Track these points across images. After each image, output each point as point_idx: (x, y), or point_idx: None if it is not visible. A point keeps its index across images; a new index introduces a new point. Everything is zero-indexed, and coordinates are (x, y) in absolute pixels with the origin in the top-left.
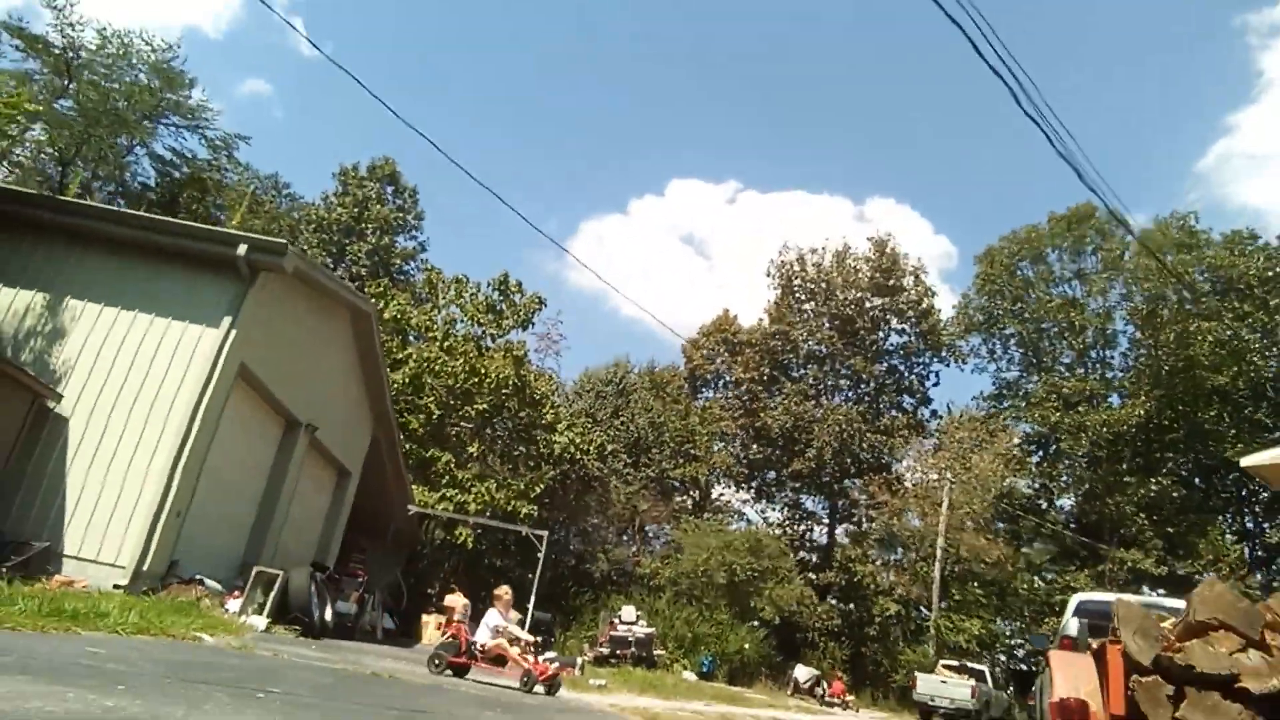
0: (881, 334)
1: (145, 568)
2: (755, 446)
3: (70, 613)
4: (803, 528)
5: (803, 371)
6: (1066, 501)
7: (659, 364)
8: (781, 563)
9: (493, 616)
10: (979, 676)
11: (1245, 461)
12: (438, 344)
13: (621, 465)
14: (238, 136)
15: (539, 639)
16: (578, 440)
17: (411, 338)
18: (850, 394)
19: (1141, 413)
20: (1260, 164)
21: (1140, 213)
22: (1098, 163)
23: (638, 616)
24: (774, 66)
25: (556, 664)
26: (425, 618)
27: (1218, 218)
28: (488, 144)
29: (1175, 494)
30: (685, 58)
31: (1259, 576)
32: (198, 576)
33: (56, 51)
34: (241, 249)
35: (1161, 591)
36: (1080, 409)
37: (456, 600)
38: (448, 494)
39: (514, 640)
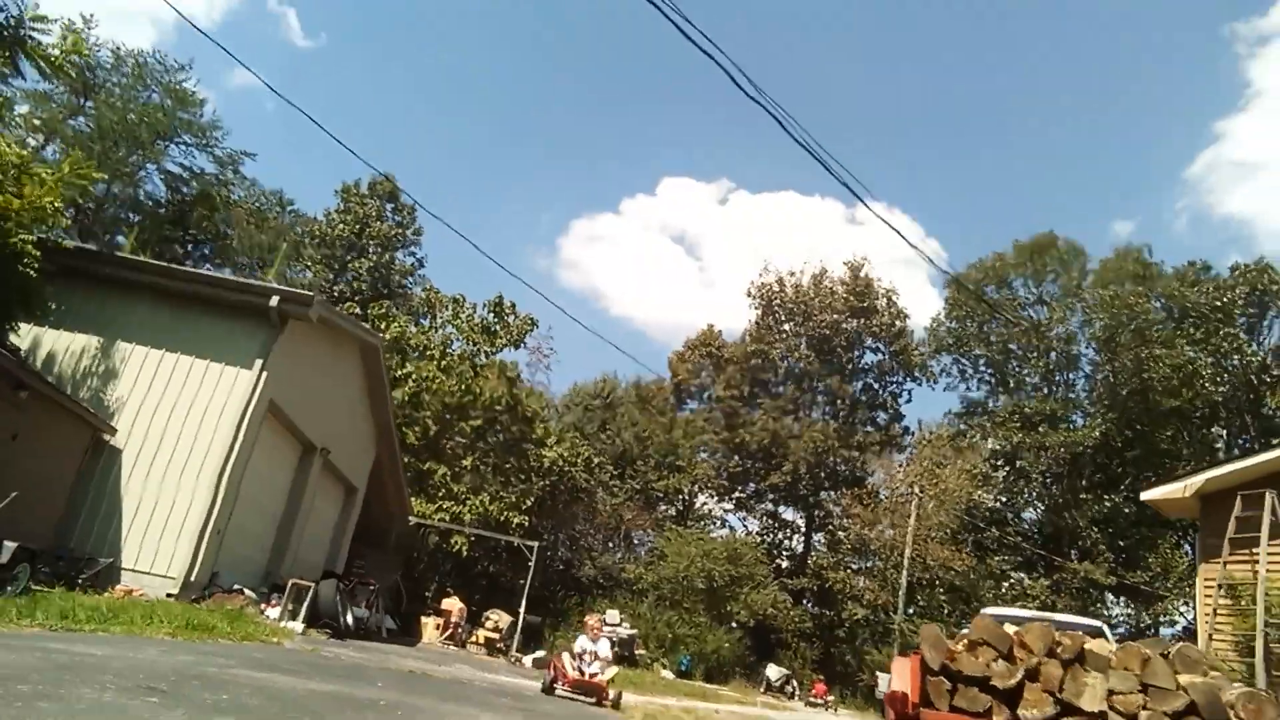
0: (856, 353)
1: (193, 578)
2: (735, 460)
3: (158, 619)
4: (780, 536)
5: (781, 389)
6: (1032, 514)
7: (647, 367)
8: (757, 570)
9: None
10: None
11: (1145, 496)
12: (435, 363)
13: (608, 477)
14: (243, 153)
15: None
16: (566, 454)
17: (412, 355)
18: (827, 410)
19: (1098, 434)
20: (1248, 172)
21: (1127, 220)
22: (1086, 168)
23: (621, 619)
24: (769, 62)
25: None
26: (424, 619)
27: (1204, 226)
28: (480, 136)
29: (1128, 509)
30: (679, 52)
31: None
32: (237, 586)
33: (74, 72)
34: (274, 300)
35: (1112, 599)
36: (1041, 429)
37: (453, 604)
38: (444, 505)
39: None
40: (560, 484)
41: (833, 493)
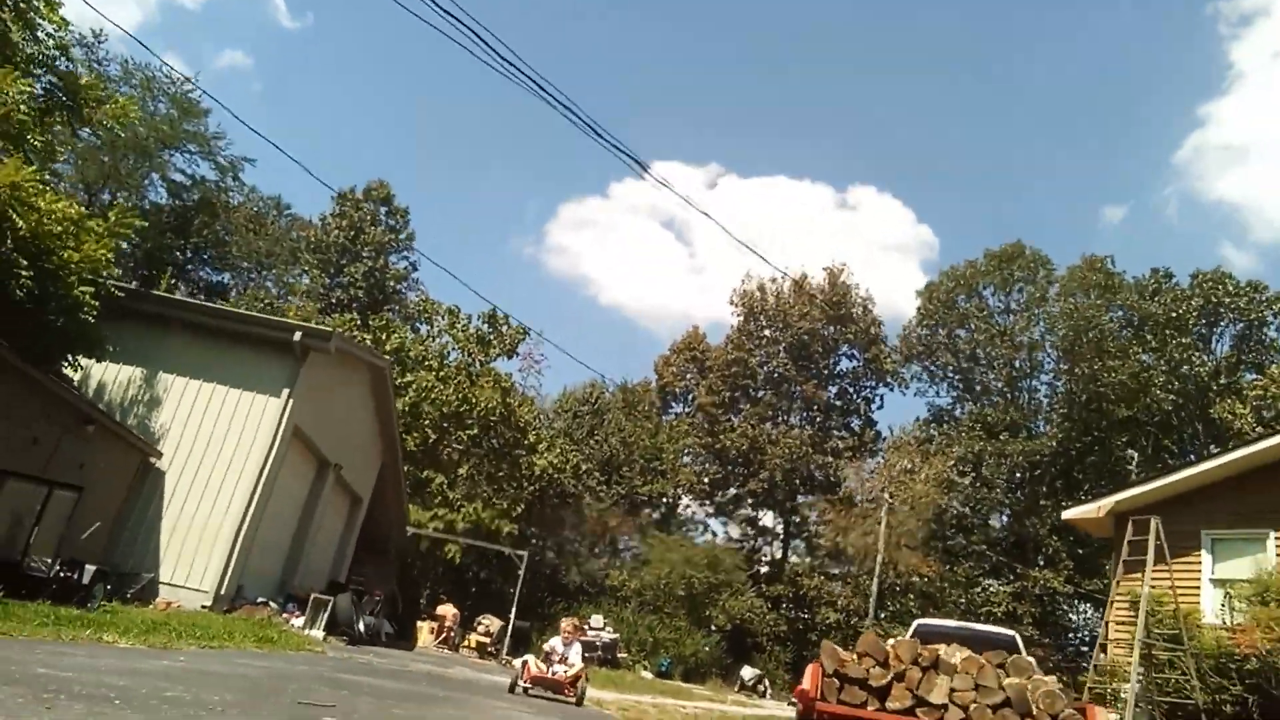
0: (832, 360)
1: (222, 591)
2: (715, 466)
3: (225, 632)
4: (759, 543)
5: (761, 394)
6: (998, 521)
7: (632, 364)
8: (735, 577)
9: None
10: None
11: (1065, 515)
12: (434, 374)
13: (595, 483)
14: (244, 159)
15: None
16: (556, 461)
17: (411, 365)
18: (804, 415)
19: (1054, 443)
20: (1235, 156)
21: (1118, 205)
22: (1077, 154)
23: (605, 623)
24: (758, 48)
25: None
26: (420, 624)
27: (1195, 210)
28: (467, 117)
29: None
30: (670, 40)
31: None
32: (261, 599)
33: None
34: (297, 335)
35: (1068, 606)
36: (1002, 437)
37: (447, 610)
38: (439, 513)
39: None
40: (549, 490)
41: (808, 498)
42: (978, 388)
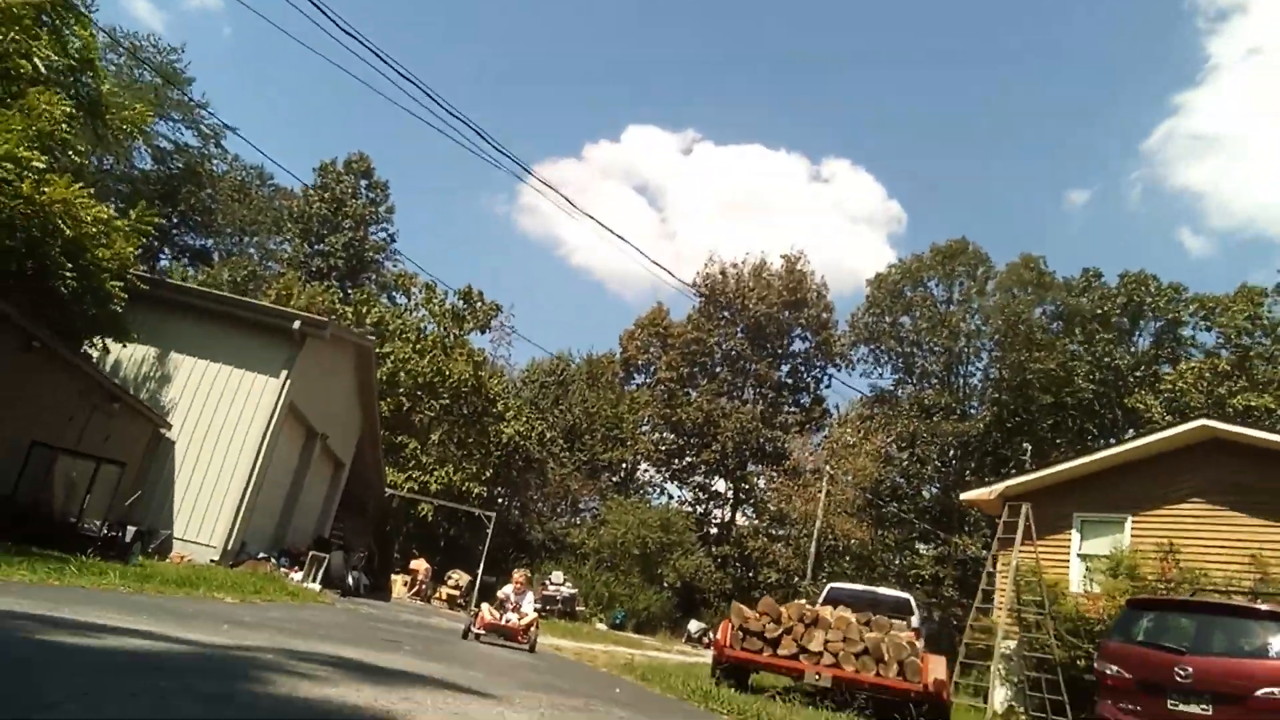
0: (786, 341)
1: (229, 547)
2: (672, 436)
3: (244, 585)
4: (710, 507)
5: (718, 370)
6: (929, 491)
7: (600, 336)
8: (686, 538)
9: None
10: None
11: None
12: (411, 345)
13: (558, 450)
14: (225, 126)
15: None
16: (522, 430)
17: (389, 336)
18: (756, 391)
19: (981, 426)
20: (1204, 145)
21: (1083, 189)
22: (1045, 136)
23: (565, 579)
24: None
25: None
26: (394, 577)
27: (1157, 197)
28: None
29: None
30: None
31: None
32: (262, 555)
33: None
34: (296, 324)
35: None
36: (935, 418)
37: (420, 564)
38: (413, 475)
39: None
40: (516, 455)
41: (757, 468)
42: (918, 371)
